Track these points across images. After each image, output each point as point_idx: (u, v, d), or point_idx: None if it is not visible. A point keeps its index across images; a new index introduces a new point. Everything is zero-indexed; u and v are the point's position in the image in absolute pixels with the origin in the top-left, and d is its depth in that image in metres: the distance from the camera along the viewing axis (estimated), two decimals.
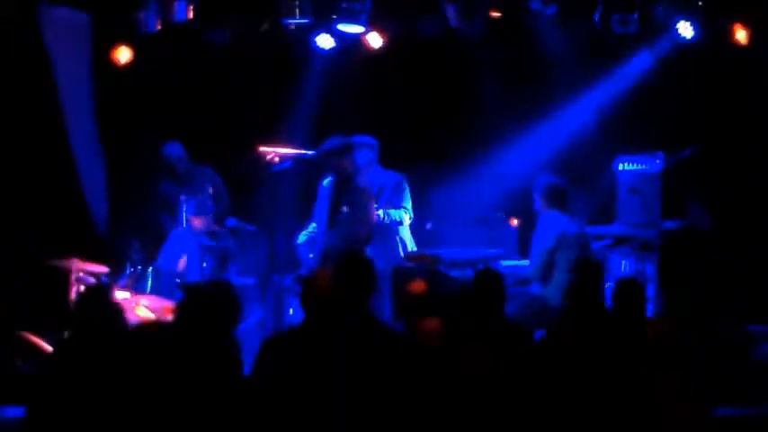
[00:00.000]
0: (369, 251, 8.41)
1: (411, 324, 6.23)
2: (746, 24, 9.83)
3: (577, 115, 10.52)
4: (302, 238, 9.03)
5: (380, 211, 8.94)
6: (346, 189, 8.69)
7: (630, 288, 6.28)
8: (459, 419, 5.70)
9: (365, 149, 9.33)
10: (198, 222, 9.23)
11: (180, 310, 5.82)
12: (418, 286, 6.22)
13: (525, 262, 8.85)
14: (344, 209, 8.60)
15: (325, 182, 8.92)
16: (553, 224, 8.58)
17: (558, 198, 8.67)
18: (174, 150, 9.81)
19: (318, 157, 8.79)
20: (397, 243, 9.19)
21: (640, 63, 10.37)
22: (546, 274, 8.51)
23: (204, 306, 5.72)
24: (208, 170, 9.68)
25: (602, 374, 5.86)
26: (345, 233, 8.57)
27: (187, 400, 5.51)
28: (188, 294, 5.92)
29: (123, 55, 10.14)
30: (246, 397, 5.57)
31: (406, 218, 9.21)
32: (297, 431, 5.55)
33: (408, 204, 9.27)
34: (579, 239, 8.59)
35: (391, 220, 9.09)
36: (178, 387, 5.52)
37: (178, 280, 9.01)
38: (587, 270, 6.29)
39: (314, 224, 8.97)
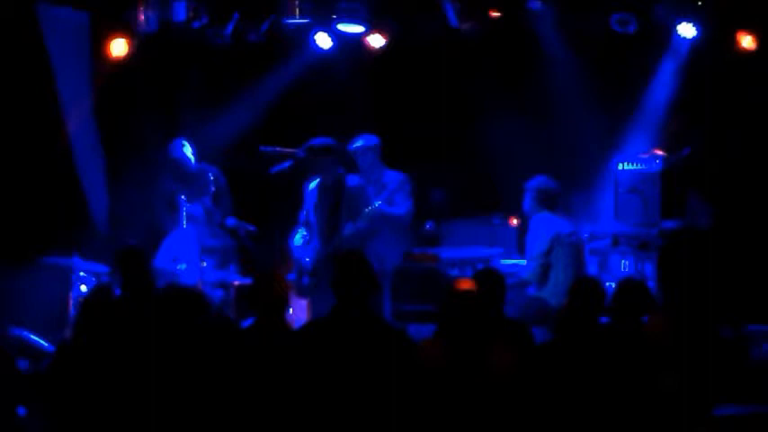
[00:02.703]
0: (380, 248, 8.49)
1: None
2: (746, 25, 9.84)
3: (577, 115, 10.52)
4: (298, 240, 9.00)
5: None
6: (337, 191, 8.70)
7: (633, 289, 6.30)
8: (458, 418, 5.70)
9: (367, 153, 9.37)
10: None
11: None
12: (466, 285, 6.13)
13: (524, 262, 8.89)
14: (341, 215, 8.63)
15: (312, 185, 8.92)
16: (546, 227, 8.63)
17: (549, 201, 8.71)
18: (179, 149, 9.76)
19: (304, 156, 8.80)
20: (408, 240, 9.27)
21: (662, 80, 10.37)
22: (543, 276, 8.56)
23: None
24: (212, 170, 9.62)
25: (601, 375, 5.87)
26: (346, 235, 8.59)
27: (188, 399, 5.53)
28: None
29: (119, 47, 10.07)
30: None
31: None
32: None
33: (410, 203, 9.32)
34: (572, 239, 8.63)
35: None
36: (180, 385, 5.54)
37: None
38: (587, 291, 6.28)
39: (303, 230, 8.95)
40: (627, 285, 6.37)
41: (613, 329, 6.18)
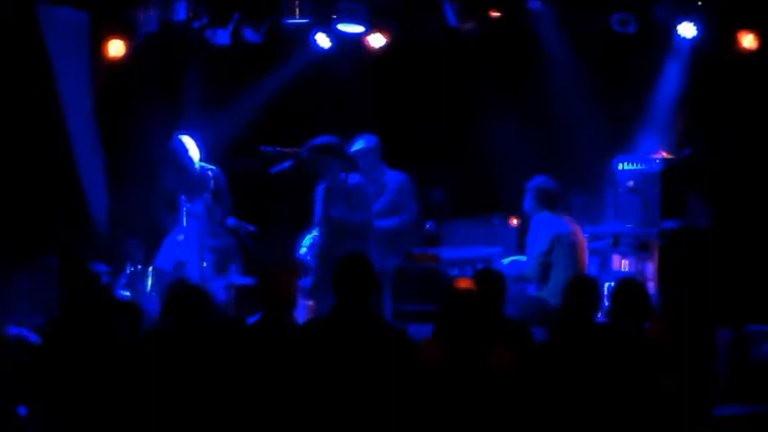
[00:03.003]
0: (380, 248, 8.48)
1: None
2: (747, 24, 9.84)
3: (577, 115, 10.53)
4: (307, 241, 9.00)
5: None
6: (337, 190, 8.70)
7: (632, 289, 6.30)
8: (458, 417, 5.71)
9: (368, 155, 9.36)
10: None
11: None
12: (465, 285, 6.13)
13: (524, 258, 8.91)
14: (336, 211, 8.63)
15: (321, 187, 8.94)
16: (546, 227, 8.64)
17: (549, 201, 8.73)
18: (179, 148, 9.71)
19: (306, 155, 8.80)
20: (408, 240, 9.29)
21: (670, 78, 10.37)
22: (543, 275, 8.58)
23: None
24: (212, 169, 9.60)
25: (600, 374, 5.87)
26: (343, 232, 8.60)
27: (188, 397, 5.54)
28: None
29: (118, 48, 10.08)
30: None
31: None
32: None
33: (414, 208, 9.34)
34: (572, 239, 8.64)
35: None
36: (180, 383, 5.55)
37: None
38: (582, 290, 6.29)
39: (315, 231, 8.96)
40: (625, 285, 6.37)
41: (612, 329, 6.19)
